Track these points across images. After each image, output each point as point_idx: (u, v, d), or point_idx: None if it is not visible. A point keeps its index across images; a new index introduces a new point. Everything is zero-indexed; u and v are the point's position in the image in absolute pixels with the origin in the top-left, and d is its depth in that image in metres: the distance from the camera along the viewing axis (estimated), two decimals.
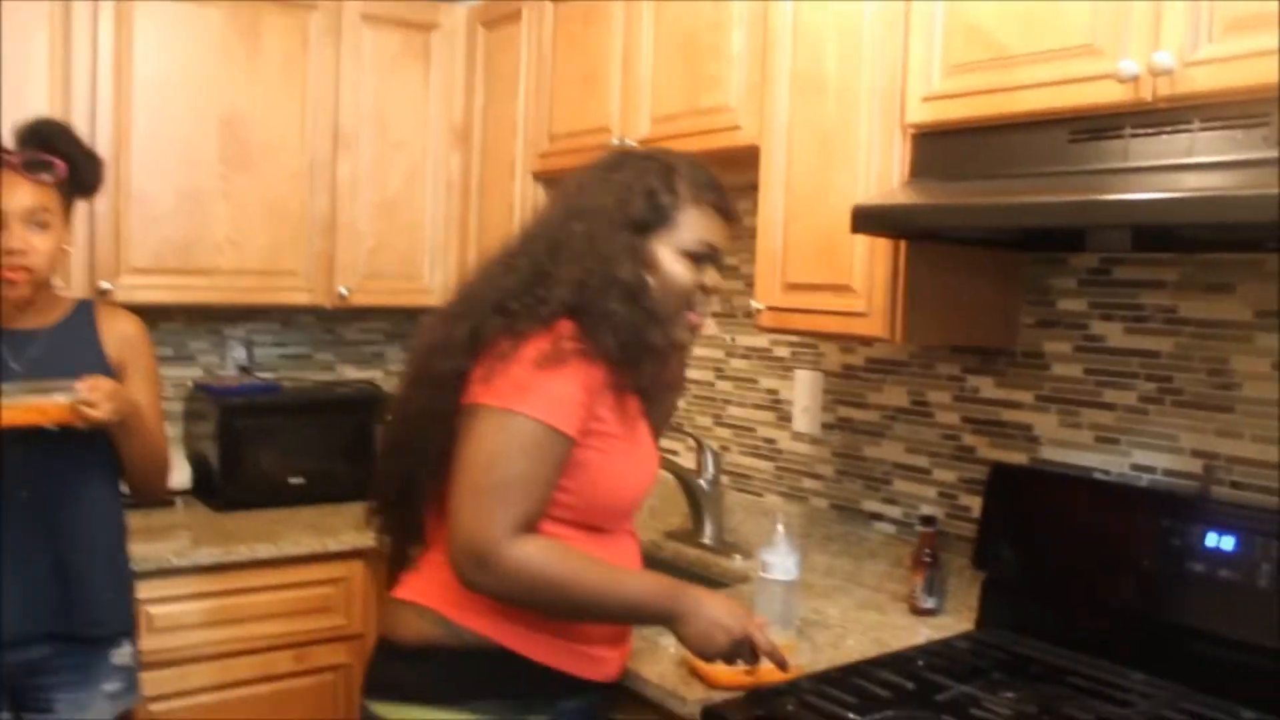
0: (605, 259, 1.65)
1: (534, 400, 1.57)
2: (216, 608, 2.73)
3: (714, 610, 1.66)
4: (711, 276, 1.75)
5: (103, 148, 2.84)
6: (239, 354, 3.42)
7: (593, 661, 1.72)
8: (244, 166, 3.08)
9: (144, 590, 2.62)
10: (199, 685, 2.72)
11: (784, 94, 2.27)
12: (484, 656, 1.65)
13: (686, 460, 2.96)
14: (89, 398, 1.99)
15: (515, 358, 1.59)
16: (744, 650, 1.67)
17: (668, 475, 2.95)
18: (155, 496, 2.34)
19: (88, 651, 2.17)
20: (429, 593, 1.69)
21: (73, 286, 2.83)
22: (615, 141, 2.66)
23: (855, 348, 2.61)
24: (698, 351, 3.02)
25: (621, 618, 1.72)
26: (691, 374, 3.05)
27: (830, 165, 2.16)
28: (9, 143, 2.13)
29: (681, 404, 3.08)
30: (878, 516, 2.55)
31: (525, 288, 1.65)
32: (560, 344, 1.60)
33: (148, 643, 2.61)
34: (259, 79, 3.09)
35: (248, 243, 3.11)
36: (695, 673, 1.92)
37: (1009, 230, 1.95)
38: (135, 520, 2.88)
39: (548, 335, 1.61)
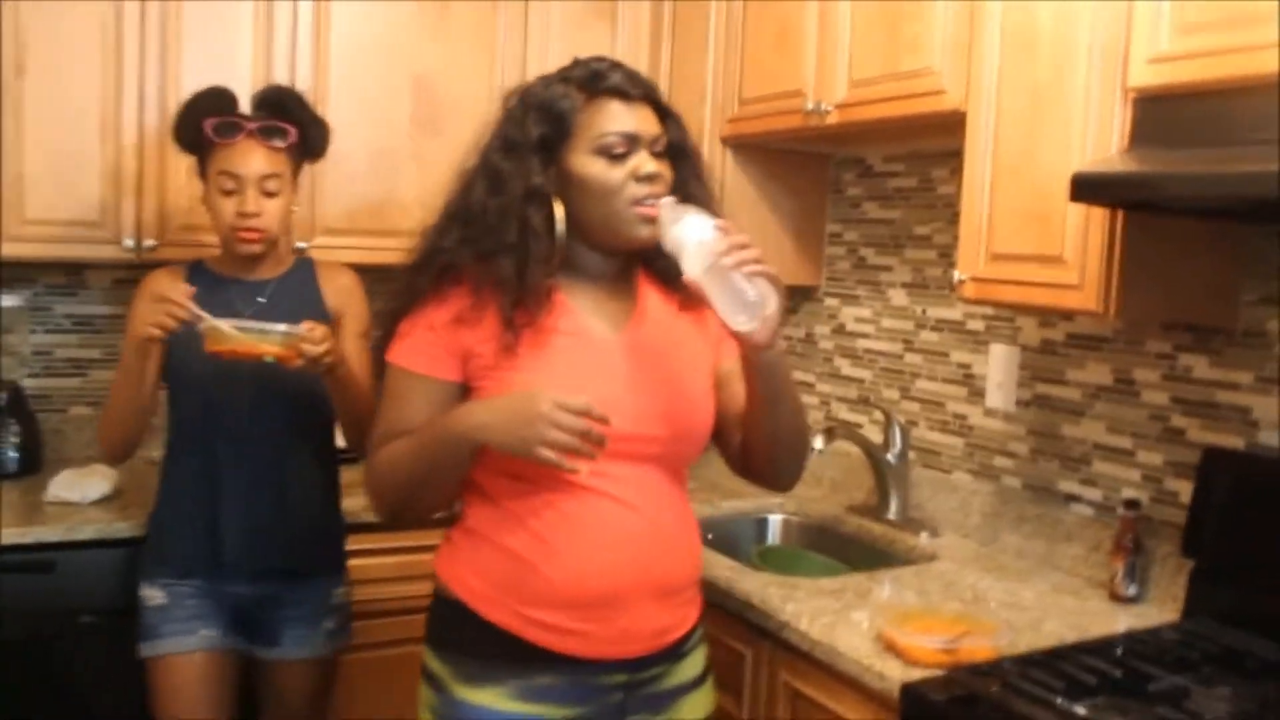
0: (462, 191, 1.72)
1: (394, 347, 1.74)
2: (408, 563, 2.82)
3: (512, 404, 1.57)
4: (644, 162, 1.67)
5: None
6: None
7: (551, 631, 1.67)
8: (433, 128, 3.15)
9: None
10: (387, 639, 2.82)
11: (992, 54, 2.22)
12: (448, 607, 1.74)
13: (873, 434, 2.95)
14: (308, 336, 2.11)
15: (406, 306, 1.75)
16: (566, 423, 1.53)
17: (852, 448, 2.95)
18: (358, 437, 2.39)
19: (310, 588, 2.35)
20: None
21: None
22: (810, 106, 2.65)
23: (1055, 322, 2.55)
24: (885, 323, 3.00)
25: (445, 471, 1.67)
26: (879, 345, 3.03)
27: (1041, 130, 2.11)
28: (245, 109, 2.31)
29: (867, 375, 3.06)
30: (1074, 498, 2.49)
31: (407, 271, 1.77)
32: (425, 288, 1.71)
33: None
34: (449, 41, 3.15)
35: (436, 205, 3.17)
36: (892, 648, 1.92)
37: (1236, 201, 1.87)
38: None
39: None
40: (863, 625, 2.05)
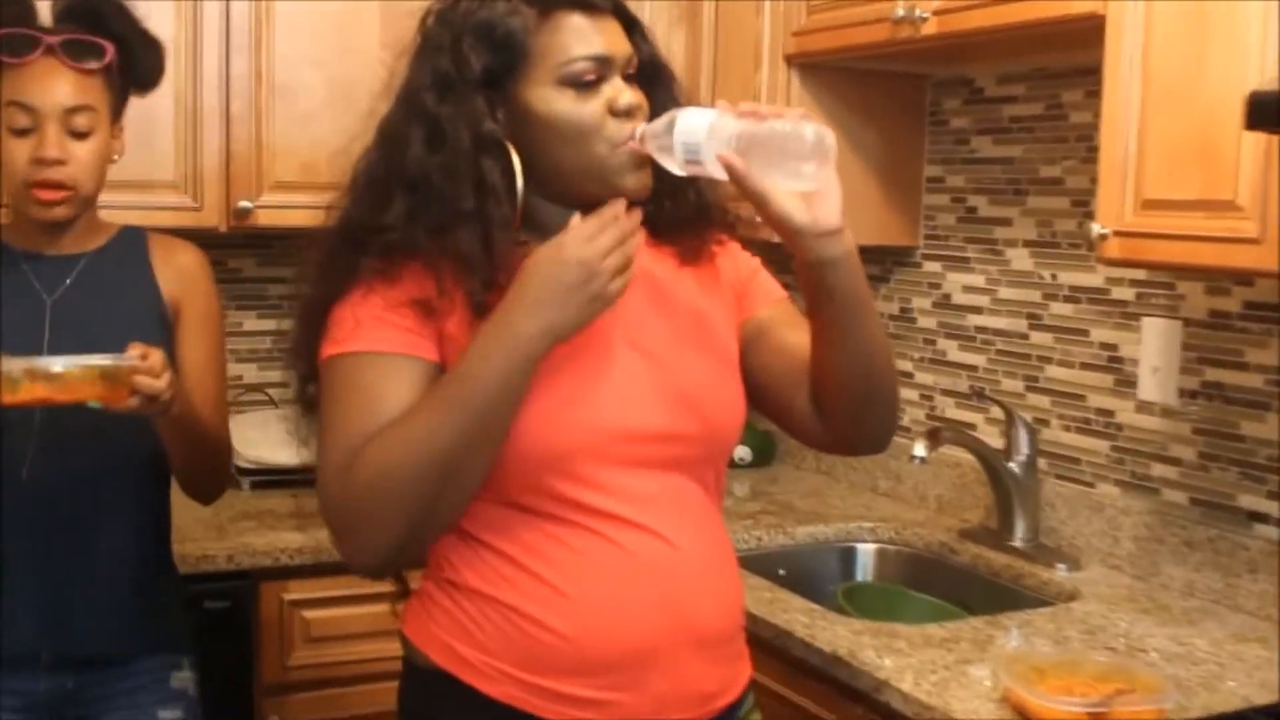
0: (394, 151, 1.67)
1: (336, 336, 1.66)
2: (360, 616, 2.80)
3: (534, 292, 1.57)
4: (620, 92, 1.67)
5: (239, 26, 3.04)
6: None
7: (569, 704, 1.67)
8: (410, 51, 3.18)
9: (295, 588, 2.80)
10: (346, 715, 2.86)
11: None
12: (429, 680, 1.72)
13: (990, 436, 2.97)
14: (143, 366, 1.96)
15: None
16: (609, 243, 1.57)
17: (964, 456, 2.97)
18: (214, 490, 2.36)
19: (137, 674, 2.25)
20: (406, 607, 1.83)
21: (205, 208, 3.02)
22: (900, 13, 2.67)
23: (1229, 288, 2.56)
24: (1003, 293, 3.01)
25: (493, 432, 1.60)
26: (996, 322, 3.05)
27: (1207, 42, 2.11)
28: (46, 20, 2.18)
29: (981, 360, 3.08)
30: (1260, 517, 2.51)
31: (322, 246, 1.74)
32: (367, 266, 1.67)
33: (302, 654, 2.78)
34: None
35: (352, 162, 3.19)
36: (1023, 711, 1.94)
37: None
38: (268, 500, 3.11)
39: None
40: (984, 683, 2.07)
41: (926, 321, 3.24)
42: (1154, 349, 2.69)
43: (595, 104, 1.65)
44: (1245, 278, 2.46)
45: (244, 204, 3.03)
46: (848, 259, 1.65)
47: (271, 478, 3.20)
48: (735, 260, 1.88)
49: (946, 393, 3.20)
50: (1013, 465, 2.85)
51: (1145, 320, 2.71)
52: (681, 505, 1.73)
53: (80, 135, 2.13)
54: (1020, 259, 3.00)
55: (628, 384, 1.70)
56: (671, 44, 3.41)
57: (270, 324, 3.51)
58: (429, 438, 1.57)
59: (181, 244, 2.36)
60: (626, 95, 1.66)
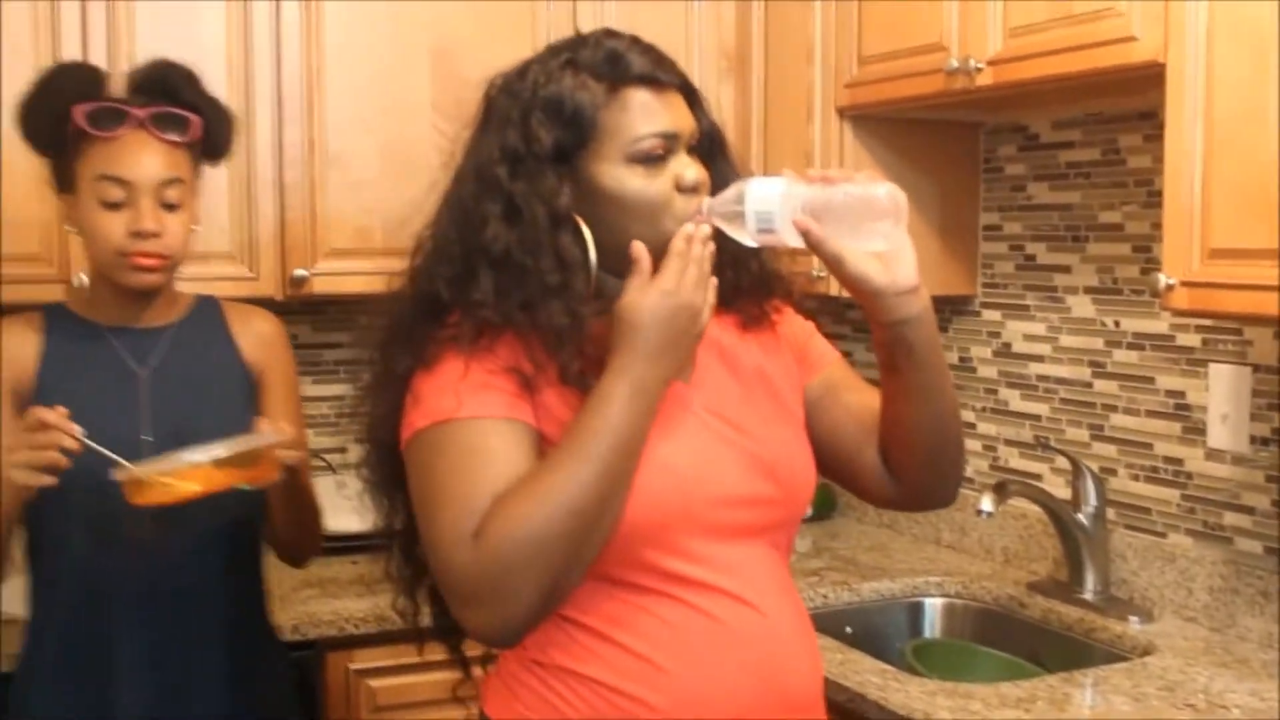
0: (472, 227, 1.67)
1: (433, 406, 1.64)
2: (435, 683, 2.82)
3: (648, 334, 1.60)
4: (686, 168, 1.70)
5: (292, 93, 3.06)
6: None
7: None
8: (461, 112, 3.18)
9: (360, 657, 2.80)
10: None
11: None
12: None
13: (1056, 487, 2.94)
14: (282, 440, 2.03)
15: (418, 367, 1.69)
16: (698, 276, 1.61)
17: (1030, 507, 2.94)
18: (309, 550, 2.41)
19: None
20: (484, 684, 1.83)
21: (262, 277, 3.04)
22: (954, 64, 2.66)
23: None
24: (1065, 341, 2.99)
25: (626, 464, 1.61)
26: (1059, 370, 3.03)
27: (1269, 87, 2.10)
28: (120, 92, 2.22)
29: (1045, 410, 3.06)
30: None
31: (400, 320, 1.74)
32: (448, 333, 1.67)
33: None
34: (476, 3, 3.20)
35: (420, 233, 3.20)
36: None
37: None
38: (330, 568, 3.12)
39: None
40: None
41: (987, 371, 3.22)
42: (1223, 396, 2.66)
43: (663, 181, 1.68)
44: None
45: (299, 272, 3.04)
46: (925, 315, 1.70)
47: (332, 545, 3.18)
48: (792, 324, 1.90)
49: (1010, 443, 3.17)
50: (1081, 516, 2.82)
51: (1213, 367, 2.68)
52: (764, 570, 1.75)
53: (171, 207, 2.16)
54: (1081, 306, 2.98)
55: (712, 452, 1.72)
56: (720, 98, 3.42)
57: (327, 389, 3.50)
58: (569, 491, 1.56)
59: (256, 310, 2.42)
60: (692, 171, 1.69)
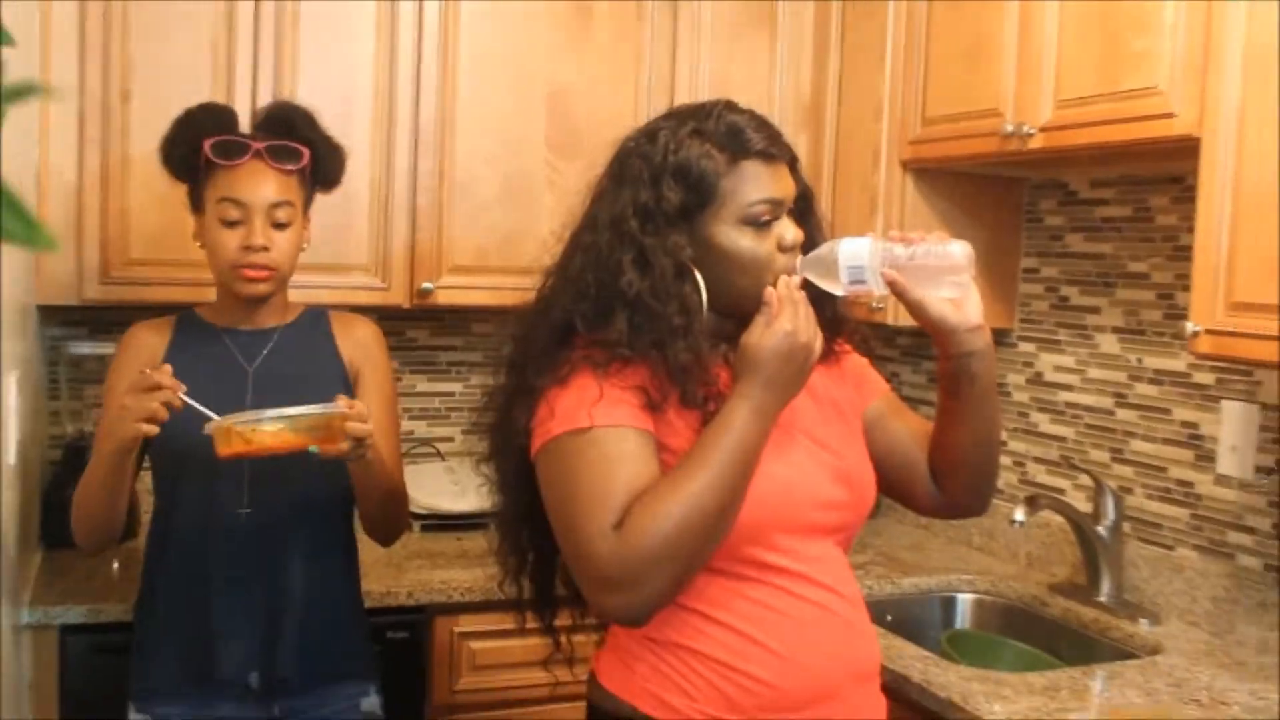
0: (609, 271, 1.73)
1: (569, 416, 1.70)
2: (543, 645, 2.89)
3: (766, 364, 1.68)
4: (787, 229, 1.78)
5: (427, 129, 3.11)
6: None
7: None
8: (572, 151, 3.23)
9: (464, 622, 2.85)
10: None
11: (1234, 74, 2.24)
12: None
13: (1078, 502, 2.97)
14: (351, 413, 2.04)
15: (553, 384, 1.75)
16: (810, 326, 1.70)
17: (1053, 518, 2.98)
18: (394, 533, 2.41)
19: (332, 700, 2.32)
20: (597, 658, 1.88)
21: (393, 288, 3.10)
22: (1009, 129, 2.70)
23: None
24: (1092, 373, 3.02)
25: (746, 474, 1.68)
26: (1085, 399, 3.05)
27: None
28: (246, 128, 2.32)
29: (1070, 432, 3.09)
30: None
31: (535, 341, 1.79)
32: (583, 353, 1.73)
33: (468, 680, 2.84)
34: (589, 51, 3.25)
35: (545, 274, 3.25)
36: None
37: None
38: (438, 542, 3.18)
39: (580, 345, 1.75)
40: None
41: (1020, 396, 3.25)
42: (1233, 429, 2.68)
43: (769, 242, 1.76)
44: None
45: (426, 285, 3.10)
46: (989, 349, 1.81)
47: (439, 522, 3.26)
48: (852, 358, 2.00)
49: (1038, 461, 3.20)
50: (1100, 528, 2.85)
51: (1225, 403, 2.71)
52: (837, 562, 1.85)
53: (281, 226, 2.25)
54: (1108, 343, 3.00)
55: (807, 464, 1.82)
56: (798, 142, 3.45)
57: (439, 386, 3.57)
58: (701, 494, 1.63)
59: (358, 319, 2.46)
60: (791, 233, 1.78)
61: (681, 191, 1.73)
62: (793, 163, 1.83)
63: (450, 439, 3.55)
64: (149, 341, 2.32)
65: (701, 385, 1.73)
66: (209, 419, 2.03)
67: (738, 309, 1.77)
